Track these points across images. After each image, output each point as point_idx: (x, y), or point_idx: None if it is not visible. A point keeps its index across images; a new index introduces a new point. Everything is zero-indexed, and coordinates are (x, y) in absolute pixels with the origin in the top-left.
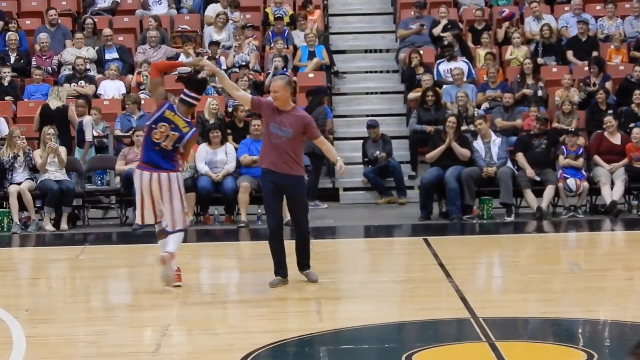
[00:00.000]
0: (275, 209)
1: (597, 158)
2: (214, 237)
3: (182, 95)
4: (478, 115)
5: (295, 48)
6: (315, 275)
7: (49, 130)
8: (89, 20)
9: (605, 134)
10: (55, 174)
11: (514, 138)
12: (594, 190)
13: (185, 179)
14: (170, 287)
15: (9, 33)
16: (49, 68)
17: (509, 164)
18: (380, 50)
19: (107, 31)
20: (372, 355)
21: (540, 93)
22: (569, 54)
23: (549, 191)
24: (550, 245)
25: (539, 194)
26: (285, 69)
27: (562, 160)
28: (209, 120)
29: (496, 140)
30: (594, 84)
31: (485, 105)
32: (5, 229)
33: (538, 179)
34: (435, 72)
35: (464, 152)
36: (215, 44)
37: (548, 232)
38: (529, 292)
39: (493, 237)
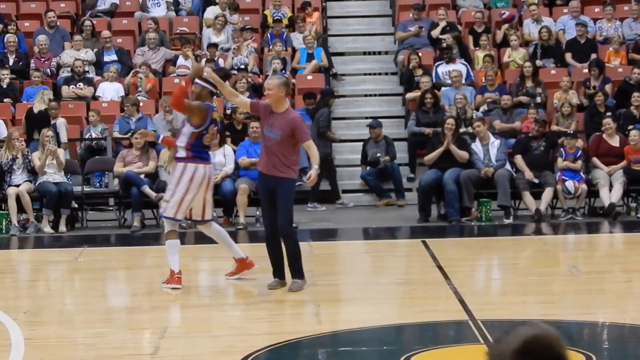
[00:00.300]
0: (269, 211)
1: (595, 160)
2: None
3: (203, 82)
4: (476, 118)
5: (294, 50)
6: (297, 286)
7: (48, 132)
8: (87, 23)
9: (604, 136)
10: (53, 176)
11: (512, 140)
12: (593, 192)
13: None
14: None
15: (8, 35)
16: (48, 70)
17: (508, 166)
18: (379, 53)
19: (105, 33)
20: (371, 357)
21: (539, 100)
22: (568, 57)
23: (547, 193)
24: (549, 247)
25: (537, 196)
26: (283, 71)
27: (560, 162)
28: None
29: (495, 143)
30: (594, 87)
31: (483, 107)
32: (3, 231)
33: (536, 181)
34: (433, 75)
35: (462, 155)
36: (213, 46)
37: (547, 235)
38: (527, 295)
39: (492, 240)
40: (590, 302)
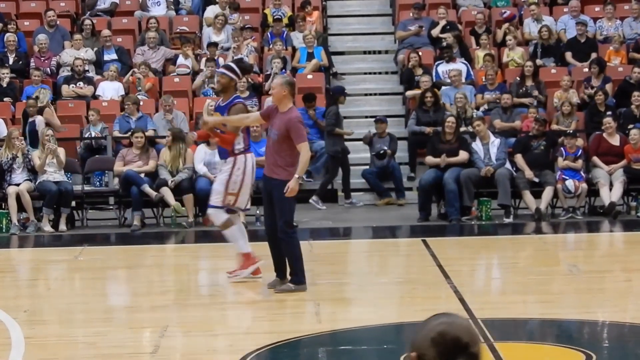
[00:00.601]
0: (268, 211)
1: (595, 159)
2: (212, 238)
3: (228, 72)
4: (476, 117)
5: (294, 49)
6: (284, 288)
7: (48, 131)
8: (87, 22)
9: (604, 135)
10: (54, 175)
11: (512, 139)
12: (593, 191)
13: (183, 180)
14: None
15: (8, 34)
16: (48, 69)
17: (508, 165)
18: (379, 52)
19: (105, 32)
20: (371, 356)
21: (535, 102)
22: (568, 56)
23: (547, 192)
24: (549, 246)
25: (537, 195)
26: (284, 70)
27: (560, 162)
28: None
29: (495, 142)
30: (592, 87)
31: (484, 106)
32: (4, 230)
33: (537, 180)
34: (434, 74)
35: (461, 160)
36: (213, 45)
37: (547, 234)
38: (527, 294)
39: (492, 239)
40: (590, 301)
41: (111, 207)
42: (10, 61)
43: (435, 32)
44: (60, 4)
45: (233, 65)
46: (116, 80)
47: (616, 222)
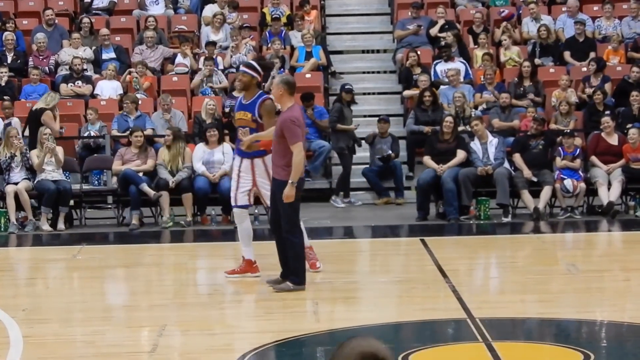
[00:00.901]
0: (272, 210)
1: (594, 159)
2: (211, 237)
3: (251, 71)
4: (474, 117)
5: (293, 48)
6: (283, 287)
7: (46, 130)
8: (86, 20)
9: (603, 134)
10: (52, 174)
11: (511, 139)
12: (591, 191)
13: (182, 179)
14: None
15: (6, 33)
16: (46, 68)
17: (506, 164)
18: (378, 51)
19: (104, 31)
20: None
21: (531, 104)
22: (567, 55)
23: (546, 192)
24: (548, 246)
25: (536, 194)
26: (282, 70)
27: (559, 162)
28: (206, 120)
29: (493, 141)
30: (591, 86)
31: (482, 105)
32: (2, 229)
33: (535, 179)
34: (432, 73)
35: (459, 160)
36: (212, 44)
37: (545, 233)
38: (526, 293)
39: (490, 238)
40: (589, 300)
41: (109, 206)
42: (9, 60)
43: (434, 31)
44: (59, 2)
45: (254, 63)
46: (114, 79)
47: (614, 222)
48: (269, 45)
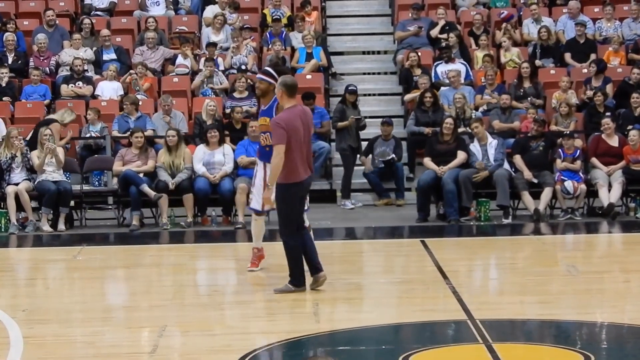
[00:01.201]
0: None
1: (594, 160)
2: (211, 238)
3: (267, 78)
4: (474, 119)
5: (293, 49)
6: (282, 289)
7: (46, 131)
8: (86, 21)
9: (603, 136)
10: (52, 174)
11: (511, 140)
12: (592, 192)
13: (182, 180)
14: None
15: (7, 34)
16: (47, 69)
17: (507, 166)
18: (378, 52)
19: (104, 32)
20: (369, 356)
21: (530, 106)
22: (567, 56)
23: (546, 193)
24: (548, 247)
25: (536, 196)
26: None
27: (559, 163)
28: (207, 121)
29: (492, 143)
30: (592, 88)
31: (483, 107)
32: (2, 230)
33: (535, 181)
34: (433, 74)
35: (459, 161)
36: (212, 45)
37: (545, 234)
38: (526, 294)
39: (490, 239)
40: (589, 302)
41: (110, 206)
42: (10, 61)
43: (434, 32)
44: (60, 3)
45: (270, 69)
46: (115, 80)
47: (615, 223)
48: (270, 46)
